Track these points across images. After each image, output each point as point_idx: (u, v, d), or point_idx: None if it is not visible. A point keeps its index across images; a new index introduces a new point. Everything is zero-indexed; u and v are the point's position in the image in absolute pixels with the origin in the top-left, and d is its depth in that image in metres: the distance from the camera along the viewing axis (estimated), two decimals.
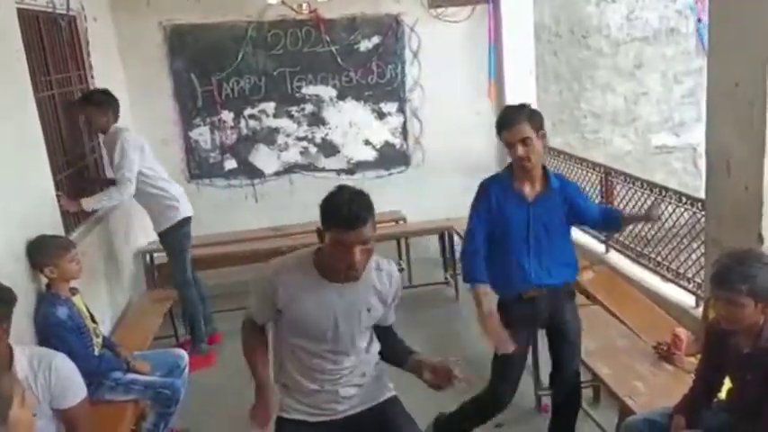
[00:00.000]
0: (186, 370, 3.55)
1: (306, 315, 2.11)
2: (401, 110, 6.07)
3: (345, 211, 1.91)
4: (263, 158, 5.98)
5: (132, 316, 4.51)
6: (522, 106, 2.77)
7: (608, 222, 3.05)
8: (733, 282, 2.09)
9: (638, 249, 4.47)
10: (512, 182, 2.79)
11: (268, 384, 2.29)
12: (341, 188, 2.01)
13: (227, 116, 5.86)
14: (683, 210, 3.96)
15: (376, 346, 2.32)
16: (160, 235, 4.50)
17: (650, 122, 6.76)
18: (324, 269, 2.09)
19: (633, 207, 4.47)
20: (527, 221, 2.77)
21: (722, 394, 2.48)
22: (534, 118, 2.70)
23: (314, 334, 2.15)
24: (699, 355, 2.83)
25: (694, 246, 3.84)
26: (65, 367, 2.33)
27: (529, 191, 2.78)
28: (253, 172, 5.98)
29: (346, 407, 2.27)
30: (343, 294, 2.12)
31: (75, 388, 2.34)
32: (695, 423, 2.34)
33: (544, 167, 2.81)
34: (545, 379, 3.66)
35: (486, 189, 2.83)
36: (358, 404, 2.28)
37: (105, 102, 4.20)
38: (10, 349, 2.29)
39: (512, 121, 2.67)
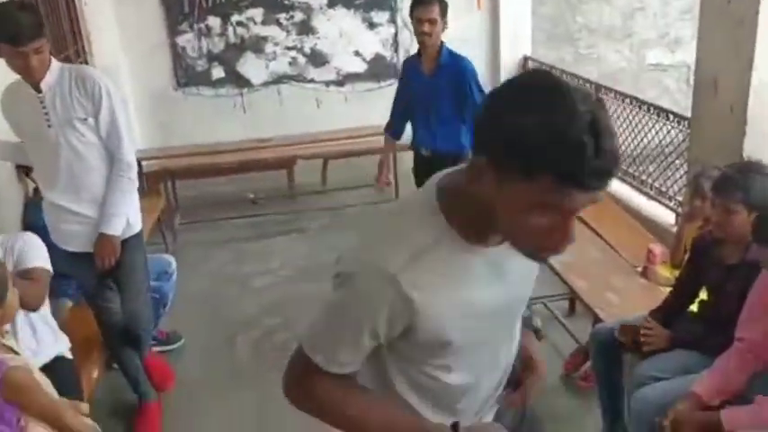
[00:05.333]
0: (174, 275, 3.63)
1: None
2: (392, 20, 5.90)
3: None
4: (252, 68, 5.86)
5: None
6: None
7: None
8: (729, 189, 2.20)
9: (623, 167, 4.50)
10: (419, 59, 3.55)
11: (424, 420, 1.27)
12: None
13: (215, 22, 5.70)
14: (669, 128, 3.97)
15: None
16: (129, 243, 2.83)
17: (646, 38, 6.64)
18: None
19: (622, 124, 4.48)
20: (423, 92, 3.51)
21: (694, 308, 2.59)
22: (443, 5, 3.37)
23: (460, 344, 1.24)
24: (674, 270, 2.94)
25: (678, 164, 3.88)
26: (32, 237, 2.52)
27: (427, 67, 3.51)
28: (240, 81, 5.87)
29: None
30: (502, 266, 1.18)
31: (38, 253, 2.47)
32: (668, 326, 2.45)
33: (441, 49, 3.45)
34: None
35: (403, 65, 3.82)
36: None
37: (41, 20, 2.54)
38: None
39: (426, 2, 3.32)
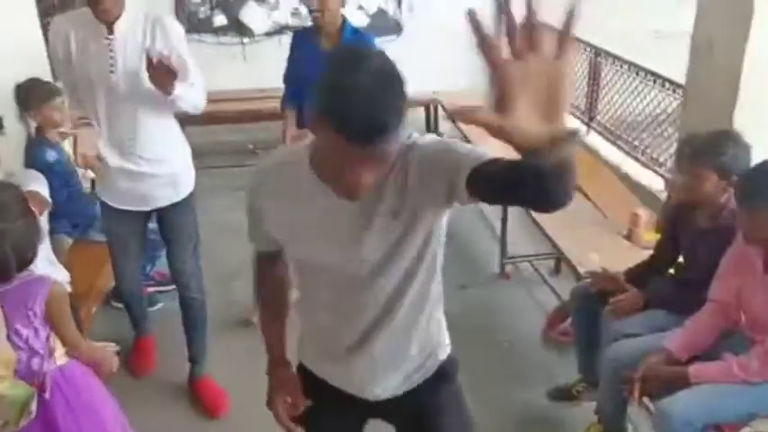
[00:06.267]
0: None
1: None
2: None
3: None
4: (254, 16, 5.84)
5: None
6: None
7: None
8: (699, 154, 2.27)
9: (617, 133, 4.55)
10: (315, 33, 3.20)
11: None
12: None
13: None
14: (664, 95, 4.02)
15: None
16: (179, 206, 2.75)
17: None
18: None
19: (618, 90, 4.52)
20: (316, 68, 3.18)
21: (672, 270, 2.69)
22: None
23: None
24: (657, 235, 3.03)
25: (671, 130, 3.94)
26: (34, 172, 2.77)
27: (325, 42, 3.15)
28: (242, 30, 5.87)
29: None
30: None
31: (37, 182, 2.64)
32: (640, 285, 2.56)
33: (344, 25, 3.14)
34: (511, 249, 3.88)
35: (294, 39, 3.40)
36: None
37: None
38: None
39: None
